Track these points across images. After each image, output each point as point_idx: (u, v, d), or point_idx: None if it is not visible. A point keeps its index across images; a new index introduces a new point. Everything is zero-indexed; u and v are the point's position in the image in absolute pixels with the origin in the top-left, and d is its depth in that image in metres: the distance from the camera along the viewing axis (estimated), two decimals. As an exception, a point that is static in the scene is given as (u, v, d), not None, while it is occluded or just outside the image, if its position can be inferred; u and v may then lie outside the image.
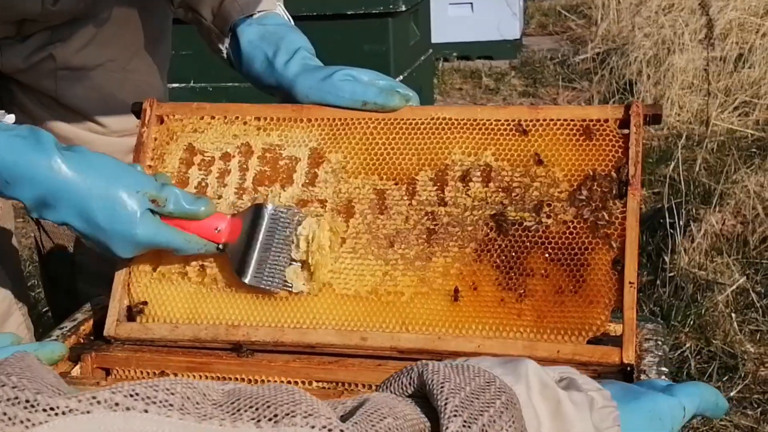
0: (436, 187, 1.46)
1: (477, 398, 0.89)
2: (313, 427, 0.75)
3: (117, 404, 0.74)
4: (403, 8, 4.17)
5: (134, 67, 1.96)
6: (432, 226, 1.44)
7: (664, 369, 1.34)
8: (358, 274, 1.44)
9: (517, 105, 6.04)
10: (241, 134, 1.56)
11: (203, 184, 1.54)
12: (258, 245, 1.43)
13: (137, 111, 1.59)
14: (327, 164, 1.52)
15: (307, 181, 1.51)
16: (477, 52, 7.66)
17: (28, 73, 1.87)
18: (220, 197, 1.52)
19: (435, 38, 5.18)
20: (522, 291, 1.37)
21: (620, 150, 1.41)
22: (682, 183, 4.27)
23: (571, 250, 1.37)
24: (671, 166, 4.49)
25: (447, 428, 0.85)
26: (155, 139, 1.57)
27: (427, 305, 1.40)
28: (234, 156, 1.55)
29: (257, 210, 1.45)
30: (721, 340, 3.27)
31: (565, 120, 1.45)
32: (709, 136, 5.11)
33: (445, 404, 0.87)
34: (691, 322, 3.39)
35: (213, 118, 1.58)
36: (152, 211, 1.37)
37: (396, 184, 1.48)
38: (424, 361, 0.96)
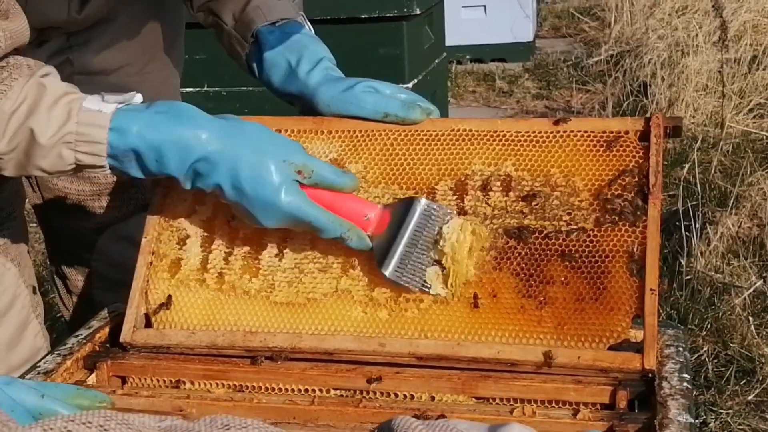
0: (455, 196, 1.47)
1: None
2: None
3: None
4: (418, 11, 4.16)
5: (150, 70, 1.96)
6: (452, 234, 1.43)
7: (685, 375, 1.33)
8: (377, 281, 1.43)
9: (535, 115, 6.05)
10: None
11: None
12: (405, 239, 1.42)
13: None
14: None
15: (327, 190, 1.51)
16: (490, 54, 7.66)
17: (44, 79, 1.86)
18: None
19: (448, 41, 5.17)
20: (542, 298, 1.36)
21: (641, 160, 1.42)
22: (698, 186, 4.26)
23: (591, 258, 1.37)
24: (686, 169, 4.48)
25: None
26: None
27: (445, 312, 1.40)
28: None
29: (409, 203, 1.44)
30: (738, 344, 3.25)
31: (586, 132, 1.46)
32: (724, 139, 5.09)
33: None
34: (708, 326, 3.37)
35: None
36: (300, 184, 1.39)
37: (416, 193, 1.48)
38: (401, 416, 0.94)
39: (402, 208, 1.43)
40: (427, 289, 1.41)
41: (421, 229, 1.42)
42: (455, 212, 1.45)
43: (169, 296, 1.49)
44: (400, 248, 1.41)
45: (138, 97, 1.46)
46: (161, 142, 1.36)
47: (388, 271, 1.41)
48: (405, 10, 4.12)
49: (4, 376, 1.24)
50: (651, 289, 1.32)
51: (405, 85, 4.13)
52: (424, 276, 1.41)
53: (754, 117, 5.50)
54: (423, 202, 1.43)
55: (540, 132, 1.48)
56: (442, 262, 1.41)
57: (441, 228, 1.42)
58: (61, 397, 1.26)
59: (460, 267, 1.40)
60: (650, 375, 1.30)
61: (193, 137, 1.37)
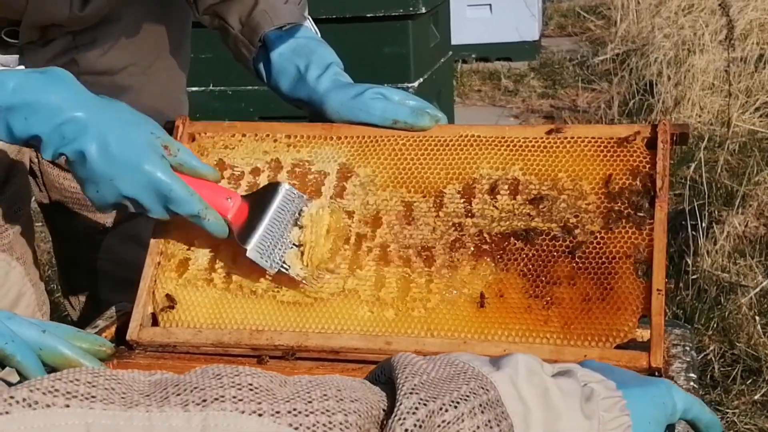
0: (463, 200, 1.48)
1: (443, 382, 0.87)
2: (242, 412, 0.74)
3: (36, 402, 0.72)
4: (423, 10, 4.16)
5: (156, 70, 1.96)
6: (459, 236, 1.45)
7: (692, 375, 1.33)
8: (384, 281, 1.44)
9: (541, 117, 6.05)
10: (271, 150, 1.59)
11: None
12: (266, 220, 1.45)
13: (169, 129, 1.61)
14: (355, 178, 1.54)
15: (335, 193, 1.53)
16: (496, 53, 7.65)
17: (49, 78, 1.86)
18: None
19: (454, 40, 5.17)
20: (549, 299, 1.37)
21: (648, 164, 1.43)
22: (704, 185, 4.25)
23: (598, 259, 1.38)
24: (693, 168, 4.47)
25: (401, 404, 0.82)
26: None
27: (452, 311, 1.40)
28: (263, 171, 1.57)
29: (271, 188, 1.48)
30: (744, 343, 3.25)
31: (593, 138, 1.47)
32: (731, 138, 5.08)
33: (404, 382, 0.85)
34: (715, 325, 3.37)
35: (244, 135, 1.61)
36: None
37: (424, 196, 1.50)
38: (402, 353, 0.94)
39: (264, 194, 1.48)
40: (285, 270, 1.44)
41: (282, 211, 1.46)
42: (311, 199, 1.50)
43: (175, 295, 1.50)
44: (261, 228, 1.44)
45: (20, 68, 1.49)
46: (34, 100, 1.37)
47: (249, 247, 1.43)
48: (410, 9, 4.12)
49: (5, 311, 1.25)
50: (657, 289, 1.33)
51: (410, 84, 4.13)
52: (283, 257, 1.44)
53: (760, 116, 5.49)
54: (285, 186, 1.48)
55: (547, 138, 1.49)
56: (300, 240, 1.44)
57: (302, 209, 1.47)
58: (62, 335, 1.26)
59: (317, 246, 1.44)
60: (657, 374, 1.31)
61: (66, 99, 1.39)
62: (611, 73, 6.71)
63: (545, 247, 1.41)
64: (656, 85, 6.06)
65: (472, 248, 1.43)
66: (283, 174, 1.56)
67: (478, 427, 0.84)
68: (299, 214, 1.47)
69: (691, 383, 1.31)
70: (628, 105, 6.03)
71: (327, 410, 0.78)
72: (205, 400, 0.75)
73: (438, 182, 1.50)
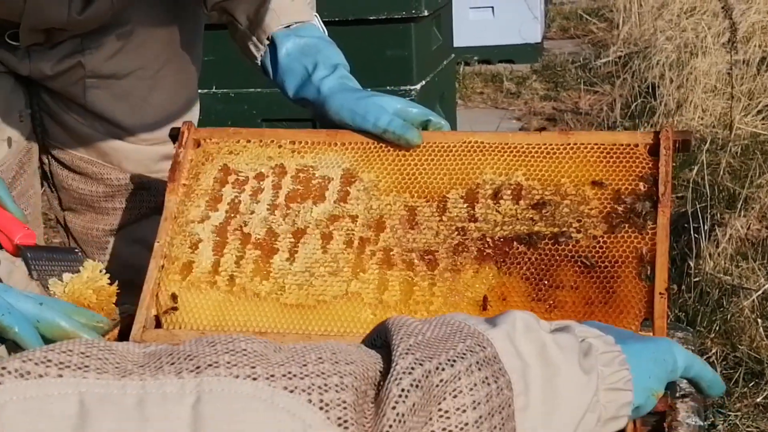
0: (466, 205, 1.49)
1: (439, 342, 0.86)
2: (237, 376, 0.74)
3: (29, 372, 0.72)
4: (426, 13, 4.16)
5: (165, 75, 1.96)
6: (462, 240, 1.45)
7: (694, 378, 1.33)
8: (387, 284, 1.44)
9: (543, 119, 6.05)
10: (275, 156, 1.60)
11: (236, 201, 1.57)
12: (53, 252, 1.56)
13: (174, 135, 1.62)
14: (359, 183, 1.55)
15: (339, 198, 1.54)
16: (498, 56, 7.66)
17: (57, 81, 1.87)
18: (252, 213, 1.55)
19: (456, 42, 5.17)
20: (551, 302, 1.38)
21: (650, 170, 1.44)
22: (707, 187, 4.25)
23: (600, 263, 1.38)
24: (695, 171, 4.47)
25: (396, 364, 0.82)
26: (191, 160, 1.60)
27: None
28: (268, 176, 1.58)
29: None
30: (747, 346, 3.25)
31: (596, 144, 1.48)
32: (733, 140, 5.08)
33: (399, 343, 0.85)
34: (717, 328, 3.37)
35: (249, 141, 1.62)
36: None
37: (427, 201, 1.51)
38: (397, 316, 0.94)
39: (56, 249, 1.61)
40: (46, 284, 1.47)
41: (62, 262, 1.51)
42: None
43: (179, 296, 1.50)
44: (46, 252, 1.53)
45: None
46: None
47: (29, 254, 1.48)
48: (413, 11, 4.12)
49: (2, 284, 1.26)
50: (660, 293, 1.34)
51: (413, 87, 4.13)
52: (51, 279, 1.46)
53: (763, 119, 5.49)
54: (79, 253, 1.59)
55: (550, 144, 1.51)
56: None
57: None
58: (59, 308, 1.27)
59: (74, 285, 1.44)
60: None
61: None
62: (613, 76, 6.72)
63: (548, 252, 1.41)
64: (658, 87, 6.06)
65: (475, 252, 1.44)
66: (287, 179, 1.57)
67: (475, 385, 0.84)
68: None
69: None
70: (630, 107, 6.03)
71: (322, 373, 0.77)
72: (198, 367, 0.74)
73: (441, 187, 1.51)
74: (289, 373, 0.76)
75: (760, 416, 2.95)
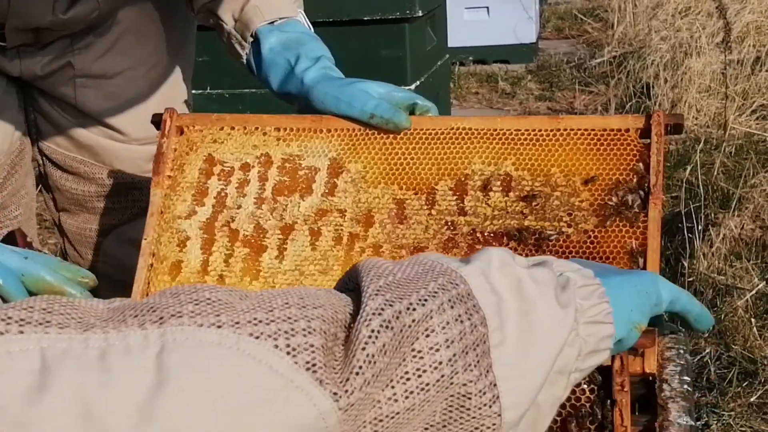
0: (455, 197, 1.47)
1: (409, 282, 0.85)
2: (201, 325, 0.73)
3: None
4: (420, 13, 4.16)
5: (156, 75, 1.96)
6: (452, 235, 1.44)
7: (686, 378, 1.33)
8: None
9: (537, 115, 6.05)
10: (260, 145, 1.57)
11: (223, 194, 1.54)
12: None
13: (157, 122, 1.59)
14: (346, 174, 1.52)
15: (326, 191, 1.52)
16: (493, 56, 7.65)
17: (48, 81, 1.88)
18: (239, 207, 1.53)
19: (451, 42, 5.17)
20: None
21: (641, 159, 1.41)
22: (701, 187, 4.25)
23: (592, 259, 1.36)
24: (689, 170, 4.47)
25: (366, 305, 0.80)
26: (175, 150, 1.58)
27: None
28: (253, 166, 1.56)
29: None
30: (740, 346, 3.25)
31: (586, 130, 1.45)
32: (727, 140, 5.09)
33: (369, 284, 0.83)
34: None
35: (233, 128, 1.58)
36: None
37: (416, 193, 1.48)
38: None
39: None
40: None
41: None
42: None
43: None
44: None
45: None
46: None
47: None
48: (407, 12, 4.12)
49: None
50: (651, 291, 1.32)
51: (407, 87, 4.13)
52: None
53: (757, 118, 5.49)
54: None
55: (540, 130, 1.47)
56: None
57: None
58: (43, 263, 1.26)
59: None
60: (651, 378, 1.31)
61: None
62: (608, 76, 6.72)
63: (538, 247, 1.39)
64: (653, 87, 6.06)
65: (465, 248, 1.42)
66: (273, 170, 1.54)
67: (447, 323, 0.82)
68: None
69: (685, 386, 1.30)
70: (625, 107, 6.03)
71: (289, 318, 0.76)
72: (162, 318, 0.73)
73: (430, 178, 1.49)
74: (255, 319, 0.75)
75: (753, 416, 2.95)
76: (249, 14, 1.75)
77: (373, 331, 0.78)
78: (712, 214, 4.12)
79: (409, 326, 0.80)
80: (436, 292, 0.83)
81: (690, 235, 3.84)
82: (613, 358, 1.17)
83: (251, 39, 1.75)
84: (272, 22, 1.74)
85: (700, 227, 3.88)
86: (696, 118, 5.59)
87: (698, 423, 2.87)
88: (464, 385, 0.83)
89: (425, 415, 0.82)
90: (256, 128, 1.58)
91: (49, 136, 1.95)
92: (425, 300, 0.82)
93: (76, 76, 1.87)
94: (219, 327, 0.73)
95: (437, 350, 0.81)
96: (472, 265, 0.90)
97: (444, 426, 0.84)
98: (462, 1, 7.34)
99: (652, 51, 6.51)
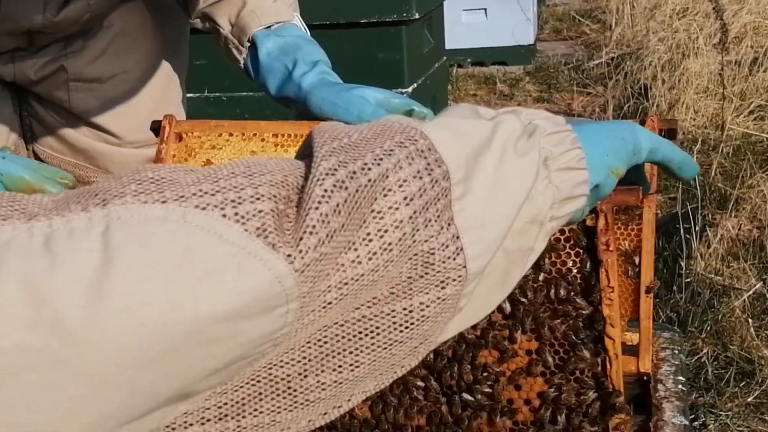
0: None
1: (366, 142, 0.81)
2: (144, 202, 0.71)
3: None
4: (417, 16, 4.17)
5: (149, 78, 1.97)
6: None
7: (680, 378, 1.34)
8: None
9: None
10: (258, 150, 1.57)
11: None
12: None
13: (156, 129, 1.60)
14: None
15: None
16: (491, 57, 7.66)
17: (42, 85, 1.88)
18: None
19: (449, 44, 5.18)
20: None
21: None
22: (698, 188, 4.26)
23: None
24: (687, 171, 4.47)
25: (319, 166, 0.77)
26: (173, 156, 1.58)
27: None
28: None
29: None
30: (738, 346, 3.26)
31: None
32: (725, 141, 5.10)
33: (322, 146, 0.80)
34: (708, 328, 3.38)
35: (231, 135, 1.59)
36: None
37: None
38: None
39: None
40: None
41: None
42: None
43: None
44: None
45: None
46: None
47: None
48: (404, 14, 4.14)
49: None
50: (646, 292, 1.33)
51: (405, 90, 4.14)
52: None
53: (754, 119, 5.50)
54: None
55: None
56: None
57: None
58: (22, 163, 1.25)
59: None
60: (645, 378, 1.31)
61: None
62: (606, 77, 6.72)
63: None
64: (651, 88, 6.07)
65: None
66: None
67: (405, 181, 0.79)
68: None
69: (680, 386, 1.31)
70: (623, 109, 6.04)
71: (235, 187, 0.73)
72: (105, 200, 0.71)
73: None
74: (200, 191, 0.72)
75: (751, 416, 2.96)
76: (245, 19, 1.76)
77: (326, 190, 0.76)
78: (710, 215, 4.13)
79: (365, 186, 0.78)
80: (392, 150, 0.81)
81: (687, 236, 3.85)
82: (597, 216, 1.16)
83: (248, 44, 1.76)
84: (269, 27, 1.75)
85: (697, 228, 3.88)
86: (694, 119, 5.60)
87: (695, 423, 2.88)
88: (426, 241, 0.81)
89: (390, 277, 0.80)
90: (254, 134, 1.58)
91: (44, 140, 1.95)
92: (380, 159, 0.79)
93: (70, 80, 1.88)
94: (164, 202, 0.71)
95: (397, 209, 0.79)
96: (433, 121, 0.87)
97: (410, 286, 0.82)
98: (460, 2, 7.35)
99: (650, 52, 6.52)
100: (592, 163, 0.96)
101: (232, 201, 0.72)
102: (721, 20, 5.63)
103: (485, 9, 7.56)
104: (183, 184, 0.73)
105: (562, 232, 1.18)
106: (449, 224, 0.82)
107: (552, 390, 1.18)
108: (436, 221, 0.81)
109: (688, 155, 1.11)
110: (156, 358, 0.68)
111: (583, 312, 1.17)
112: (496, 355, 1.19)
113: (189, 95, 2.13)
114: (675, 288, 3.64)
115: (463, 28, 7.41)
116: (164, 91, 2.00)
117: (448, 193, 0.82)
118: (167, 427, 0.74)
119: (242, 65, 1.78)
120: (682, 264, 3.73)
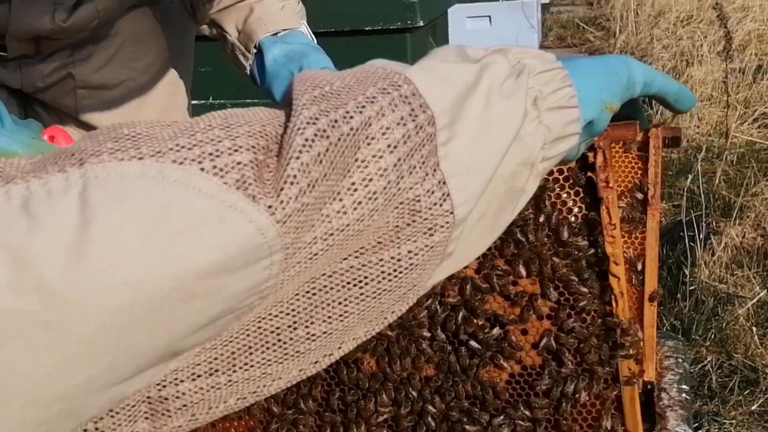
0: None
1: (348, 90, 0.79)
2: (121, 159, 0.70)
3: None
4: (421, 23, 4.18)
5: (155, 85, 1.98)
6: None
7: (684, 386, 1.33)
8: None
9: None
10: None
11: None
12: None
13: None
14: None
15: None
16: (495, 65, 7.65)
17: (49, 92, 1.89)
18: None
19: (453, 52, 5.18)
20: (541, 310, 1.36)
21: (639, 171, 1.41)
22: (702, 196, 4.26)
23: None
24: (690, 179, 4.48)
25: (300, 115, 0.75)
26: None
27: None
28: None
29: None
30: (742, 354, 3.26)
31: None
32: (729, 149, 5.10)
33: (302, 94, 0.78)
34: (712, 336, 3.38)
35: None
36: None
37: None
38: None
39: None
40: None
41: None
42: None
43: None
44: None
45: None
46: None
47: None
48: (409, 22, 4.14)
49: None
50: (649, 301, 1.33)
51: (409, 97, 4.14)
52: None
53: (758, 127, 5.50)
54: None
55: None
56: None
57: None
58: (16, 137, 1.21)
59: None
60: (649, 386, 1.31)
61: None
62: (610, 85, 6.72)
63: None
64: (655, 96, 6.06)
65: None
66: None
67: (388, 128, 0.78)
68: None
69: (684, 395, 1.31)
70: (627, 116, 6.03)
71: (212, 140, 0.72)
72: (81, 159, 0.70)
73: None
74: (177, 145, 0.71)
75: (755, 424, 2.95)
76: (252, 26, 1.77)
77: (307, 140, 0.74)
78: (714, 223, 4.13)
79: (348, 135, 0.76)
80: (374, 97, 0.78)
81: (691, 244, 3.84)
82: (595, 153, 1.15)
83: (255, 50, 1.76)
84: (275, 34, 1.76)
85: (701, 236, 3.88)
86: (698, 127, 5.60)
87: (699, 431, 2.88)
88: (411, 188, 0.80)
89: (377, 227, 0.79)
90: None
91: None
92: (363, 106, 0.77)
93: (77, 88, 1.89)
94: (140, 159, 0.70)
95: (381, 157, 0.77)
96: (418, 64, 0.85)
97: (397, 234, 0.80)
98: (464, 10, 7.36)
99: (654, 59, 6.52)
100: (584, 99, 0.94)
101: (210, 154, 0.71)
102: (725, 28, 5.63)
103: (489, 16, 7.57)
104: (160, 139, 0.72)
105: (560, 171, 1.18)
106: (435, 170, 0.81)
107: (559, 330, 1.18)
108: (421, 168, 0.80)
109: (684, 87, 1.08)
110: (140, 317, 0.67)
111: (585, 251, 1.17)
112: (501, 301, 1.19)
113: (194, 102, 2.14)
114: (679, 296, 3.63)
115: (468, 36, 7.41)
116: (170, 98, 2.01)
117: (433, 138, 0.80)
118: (158, 384, 0.74)
119: (248, 71, 1.79)
120: (686, 272, 3.73)
